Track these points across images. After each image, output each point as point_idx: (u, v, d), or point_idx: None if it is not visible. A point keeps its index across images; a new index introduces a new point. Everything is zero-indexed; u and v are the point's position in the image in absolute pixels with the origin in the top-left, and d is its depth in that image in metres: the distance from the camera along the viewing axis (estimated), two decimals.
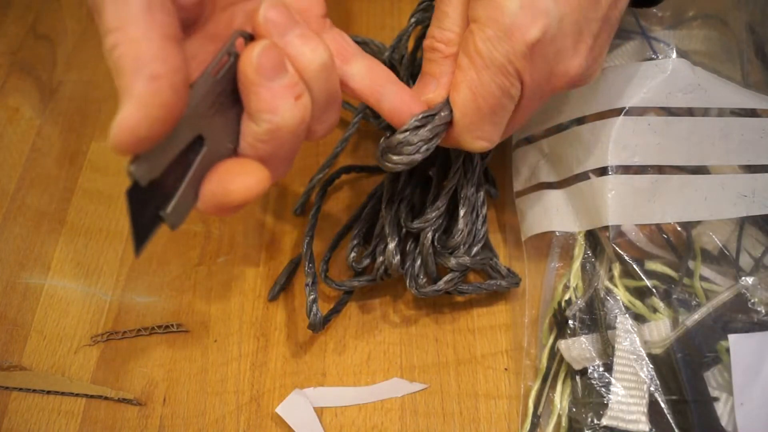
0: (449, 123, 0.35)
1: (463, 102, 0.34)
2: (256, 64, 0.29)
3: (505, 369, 0.42)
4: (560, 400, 0.39)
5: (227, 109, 0.30)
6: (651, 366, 0.37)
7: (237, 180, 0.29)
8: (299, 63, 0.30)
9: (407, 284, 0.41)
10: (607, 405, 0.36)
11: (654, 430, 0.36)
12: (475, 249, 0.41)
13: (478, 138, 0.35)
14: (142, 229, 0.28)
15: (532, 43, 0.31)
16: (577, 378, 0.39)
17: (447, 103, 0.35)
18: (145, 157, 0.27)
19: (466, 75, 0.33)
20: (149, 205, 0.28)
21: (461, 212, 0.40)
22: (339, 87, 0.33)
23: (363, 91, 0.34)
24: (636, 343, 0.37)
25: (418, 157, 0.35)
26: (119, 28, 0.26)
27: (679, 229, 0.40)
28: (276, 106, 0.29)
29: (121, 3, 0.26)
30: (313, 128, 0.33)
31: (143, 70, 0.26)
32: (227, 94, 0.30)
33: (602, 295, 0.39)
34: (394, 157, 0.35)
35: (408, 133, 0.35)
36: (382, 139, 0.36)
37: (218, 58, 0.29)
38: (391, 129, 0.36)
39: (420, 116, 0.34)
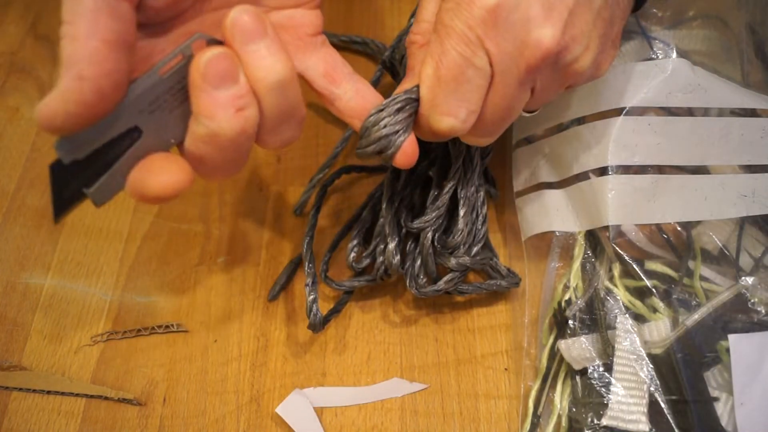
0: (418, 101, 0.34)
1: (426, 74, 0.33)
2: (203, 70, 0.29)
3: (505, 369, 0.42)
4: (560, 400, 0.39)
5: (176, 105, 0.31)
6: (651, 366, 0.37)
7: (155, 176, 0.30)
8: (254, 75, 0.30)
9: (407, 284, 0.41)
10: (607, 405, 0.36)
11: (654, 430, 0.36)
12: (475, 249, 0.41)
13: (443, 114, 0.33)
14: (62, 202, 0.29)
15: (491, 7, 0.31)
16: (577, 378, 0.39)
17: (416, 86, 0.34)
18: (71, 138, 0.28)
19: (430, 48, 0.33)
20: (73, 181, 0.29)
21: (461, 212, 0.40)
22: (298, 104, 0.33)
23: (348, 113, 0.35)
24: (636, 343, 0.37)
25: (384, 132, 0.34)
26: (69, 21, 0.28)
27: (679, 229, 0.40)
28: (214, 113, 0.29)
29: (76, 0, 0.28)
30: (265, 139, 0.33)
31: (72, 68, 0.27)
32: (177, 91, 0.30)
33: (602, 295, 0.39)
34: (363, 141, 0.35)
35: (373, 115, 0.34)
36: (361, 127, 0.36)
37: (168, 58, 0.30)
38: None
39: (387, 100, 0.34)
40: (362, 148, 0.35)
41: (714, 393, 0.36)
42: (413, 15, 0.44)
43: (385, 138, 0.34)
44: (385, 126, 0.34)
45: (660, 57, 0.42)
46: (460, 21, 0.32)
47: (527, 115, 0.38)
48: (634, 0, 0.38)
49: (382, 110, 0.35)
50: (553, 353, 0.40)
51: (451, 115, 0.33)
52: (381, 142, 0.35)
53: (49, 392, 0.42)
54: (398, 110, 0.34)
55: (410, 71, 0.36)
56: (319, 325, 0.41)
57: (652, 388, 0.36)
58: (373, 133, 0.35)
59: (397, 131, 0.35)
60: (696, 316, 0.37)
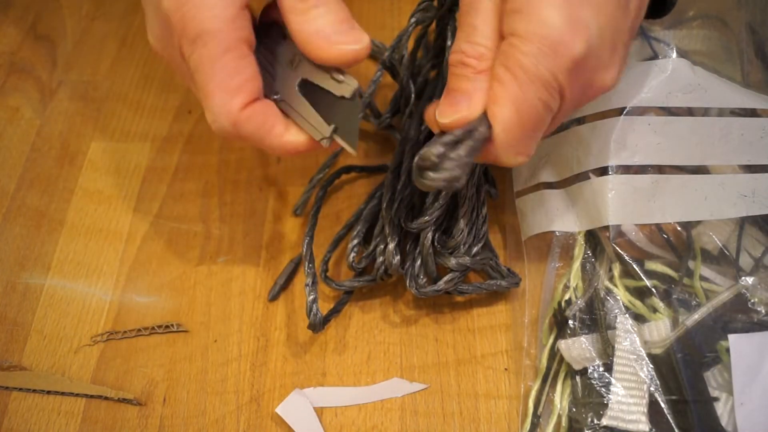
0: (487, 139, 0.33)
1: (506, 118, 0.32)
2: None
3: (505, 369, 0.42)
4: (560, 400, 0.39)
5: None
6: (651, 366, 0.37)
7: None
8: None
9: (407, 284, 0.41)
10: (607, 405, 0.36)
11: (654, 430, 0.36)
12: (475, 249, 0.41)
13: (518, 154, 0.34)
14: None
15: (578, 57, 0.31)
16: (577, 378, 0.39)
17: (484, 119, 0.33)
18: None
19: (508, 90, 0.32)
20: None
21: (461, 212, 0.40)
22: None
23: (304, 36, 0.34)
24: (636, 343, 0.37)
25: (458, 173, 0.33)
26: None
27: (679, 229, 0.40)
28: None
29: None
30: None
31: None
32: None
33: (602, 295, 0.39)
34: (433, 174, 0.33)
35: (444, 148, 0.33)
36: (417, 156, 0.34)
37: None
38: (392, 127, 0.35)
39: (459, 132, 0.33)
40: (429, 180, 0.33)
41: (714, 393, 0.36)
42: (413, 15, 0.44)
43: (456, 172, 0.33)
44: (457, 167, 0.33)
45: (660, 57, 0.42)
46: (546, 69, 0.31)
47: None
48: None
49: (456, 144, 0.33)
50: (553, 353, 0.40)
51: (525, 153, 0.34)
52: (453, 175, 0.33)
53: (49, 392, 0.42)
54: (471, 153, 0.33)
55: (460, 95, 0.34)
56: (319, 325, 0.41)
57: (652, 388, 0.36)
58: (446, 167, 0.33)
59: (467, 167, 0.33)
60: (696, 316, 0.37)
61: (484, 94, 0.33)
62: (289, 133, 0.36)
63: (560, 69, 0.31)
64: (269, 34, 0.37)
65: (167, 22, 0.33)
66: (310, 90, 0.36)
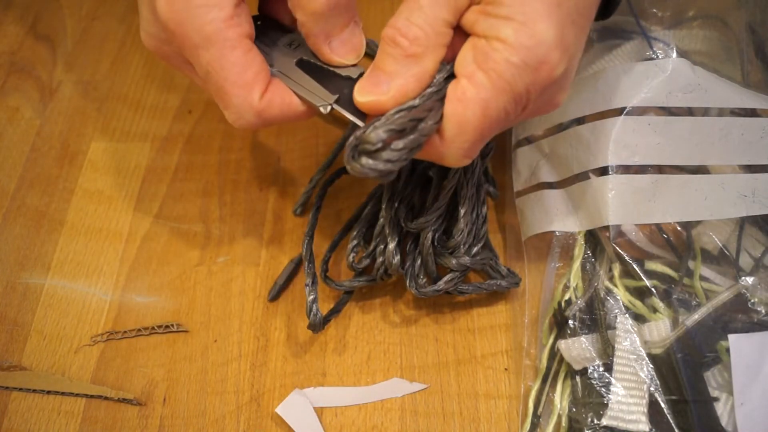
0: (432, 134, 0.32)
1: (468, 119, 0.31)
2: None
3: (505, 369, 0.42)
4: (560, 400, 0.39)
5: None
6: (651, 366, 0.37)
7: None
8: None
9: (407, 284, 0.41)
10: (607, 405, 0.36)
11: (654, 430, 0.36)
12: (475, 249, 0.41)
13: (466, 156, 0.33)
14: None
15: (556, 78, 0.31)
16: (577, 378, 0.39)
17: (435, 112, 0.31)
18: None
19: (480, 94, 0.31)
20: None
21: (461, 212, 0.40)
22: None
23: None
24: (636, 343, 0.37)
25: (395, 167, 0.31)
26: None
27: (679, 229, 0.40)
28: None
29: None
30: None
31: None
32: None
33: (602, 295, 0.39)
34: (369, 161, 0.31)
35: (386, 135, 0.31)
36: (352, 136, 0.32)
37: None
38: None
39: (406, 120, 0.31)
40: (361, 166, 0.31)
41: (714, 393, 0.36)
42: None
43: (391, 165, 0.31)
44: (397, 159, 0.31)
45: (660, 57, 0.42)
46: (523, 83, 0.30)
47: None
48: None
49: (399, 134, 0.31)
50: (553, 353, 0.40)
51: (471, 157, 0.33)
52: (388, 167, 0.31)
53: (49, 392, 0.42)
54: (413, 148, 0.31)
55: (381, 73, 0.33)
56: (319, 325, 0.41)
57: (652, 388, 0.36)
58: (382, 158, 0.31)
59: (404, 161, 0.32)
60: (696, 316, 0.37)
61: (406, 80, 0.32)
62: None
63: (536, 86, 0.31)
64: (264, 21, 0.38)
65: (166, 28, 0.34)
66: (307, 66, 0.37)
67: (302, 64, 0.37)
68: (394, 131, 0.31)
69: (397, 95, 0.32)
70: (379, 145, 0.31)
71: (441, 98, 0.32)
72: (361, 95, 0.33)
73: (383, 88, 0.32)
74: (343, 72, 0.36)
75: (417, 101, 0.32)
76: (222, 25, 0.33)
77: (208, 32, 0.33)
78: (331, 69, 0.36)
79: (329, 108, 0.36)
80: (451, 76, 0.32)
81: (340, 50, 0.36)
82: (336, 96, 0.36)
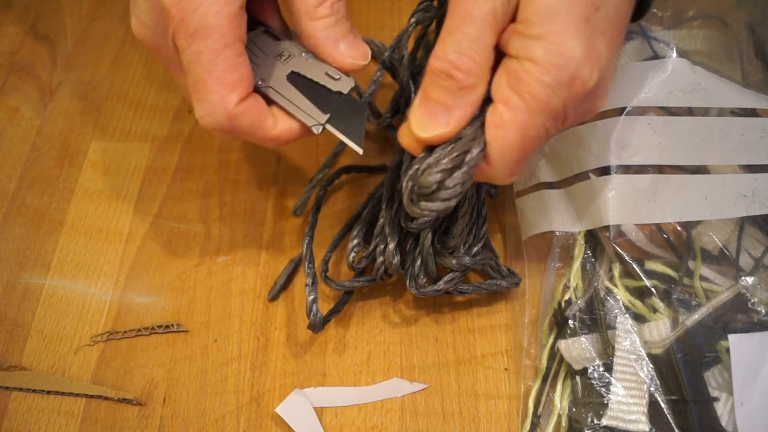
0: (481, 161, 0.32)
1: (509, 143, 0.31)
2: None
3: (505, 369, 0.42)
4: (560, 400, 0.39)
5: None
6: (651, 366, 0.37)
7: None
8: None
9: (407, 284, 0.41)
10: (607, 405, 0.36)
11: (654, 430, 0.36)
12: (475, 249, 0.41)
13: (513, 174, 0.33)
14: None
15: (590, 89, 0.31)
16: (577, 378, 0.39)
17: (478, 140, 0.32)
18: None
19: (517, 117, 0.31)
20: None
21: (461, 212, 0.40)
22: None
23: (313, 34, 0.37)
24: (636, 343, 0.37)
25: (453, 202, 0.32)
26: None
27: (679, 229, 0.40)
28: None
29: None
30: None
31: None
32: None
33: (602, 295, 0.39)
34: (429, 204, 0.33)
35: (440, 174, 0.32)
36: (407, 180, 0.33)
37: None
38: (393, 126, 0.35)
39: (454, 155, 0.32)
40: (424, 210, 0.33)
41: (714, 393, 0.36)
42: (413, 15, 0.44)
43: (452, 202, 0.32)
44: (454, 196, 0.32)
45: (660, 57, 0.42)
46: (559, 100, 0.31)
47: None
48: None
49: (452, 170, 0.32)
50: (553, 353, 0.40)
51: (519, 173, 0.34)
52: (448, 205, 0.32)
53: (49, 392, 0.42)
54: (465, 181, 0.32)
55: (438, 107, 0.33)
56: (319, 325, 0.41)
57: (652, 388, 0.36)
58: (441, 198, 0.32)
59: (461, 193, 0.32)
60: (696, 316, 0.37)
61: (464, 112, 0.32)
62: (279, 123, 0.37)
63: (572, 100, 0.31)
64: (254, 29, 0.38)
65: (162, 11, 0.34)
66: (299, 81, 0.37)
67: (294, 79, 0.37)
68: (447, 170, 0.32)
69: (458, 127, 0.33)
70: (435, 186, 0.32)
71: (482, 124, 0.32)
72: (423, 131, 0.33)
73: (442, 121, 0.32)
74: (335, 87, 0.36)
75: (462, 131, 0.33)
76: (224, 21, 0.33)
77: (210, 23, 0.33)
78: (322, 84, 0.37)
79: (321, 129, 0.36)
80: (488, 100, 0.32)
81: (351, 52, 0.36)
82: (327, 115, 0.36)
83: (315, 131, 0.36)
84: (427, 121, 0.33)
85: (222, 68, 0.34)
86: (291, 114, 0.37)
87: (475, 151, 0.32)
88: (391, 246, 0.40)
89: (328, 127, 0.36)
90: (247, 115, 0.35)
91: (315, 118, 0.36)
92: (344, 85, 0.36)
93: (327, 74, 0.37)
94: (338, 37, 0.36)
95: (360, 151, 0.36)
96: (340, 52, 0.36)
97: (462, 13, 0.31)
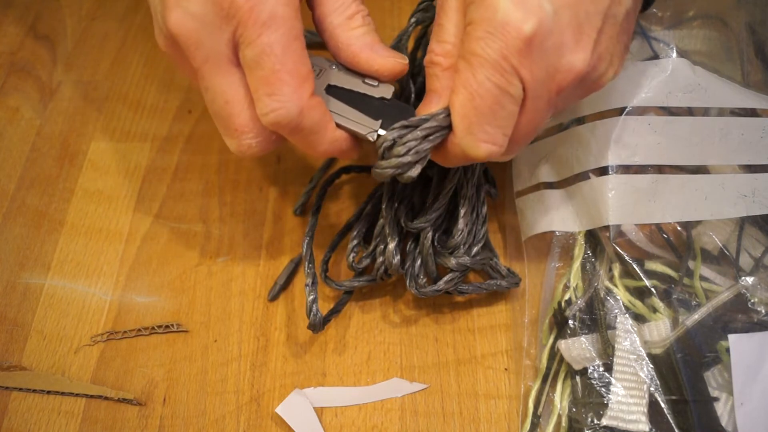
0: (448, 129, 0.34)
1: (460, 104, 0.33)
2: None
3: (505, 369, 0.42)
4: (560, 400, 0.39)
5: None
6: (651, 366, 0.37)
7: None
8: None
9: (407, 284, 0.41)
10: (607, 405, 0.36)
11: (654, 430, 0.36)
12: (475, 249, 0.41)
13: (481, 141, 0.34)
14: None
15: (527, 37, 0.31)
16: (577, 378, 0.39)
17: (445, 109, 0.34)
18: None
19: (462, 76, 0.33)
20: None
21: (461, 212, 0.40)
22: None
23: (347, 45, 0.37)
24: (636, 343, 0.37)
25: (407, 159, 0.34)
26: None
27: (679, 229, 0.40)
28: None
29: None
30: None
31: None
32: None
33: (602, 295, 0.39)
34: (384, 163, 0.35)
35: (395, 132, 0.34)
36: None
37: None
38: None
39: (412, 119, 0.34)
40: (382, 169, 0.35)
41: (714, 393, 0.36)
42: (413, 15, 0.44)
43: (409, 165, 0.34)
44: (409, 151, 0.34)
45: (660, 57, 0.42)
46: (494, 51, 0.31)
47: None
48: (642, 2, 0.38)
49: (405, 132, 0.34)
50: (553, 353, 0.40)
51: (489, 141, 0.34)
52: (404, 168, 0.34)
53: (49, 392, 0.42)
54: (425, 137, 0.34)
55: (432, 94, 0.35)
56: (319, 325, 0.41)
57: (652, 388, 0.36)
58: (396, 155, 0.34)
59: (423, 158, 0.34)
60: (696, 316, 0.37)
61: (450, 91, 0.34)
62: (336, 131, 0.37)
63: (509, 49, 0.31)
64: None
65: (222, 2, 0.33)
66: (339, 93, 0.37)
67: (333, 92, 0.37)
68: (402, 130, 0.34)
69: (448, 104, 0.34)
70: (389, 144, 0.34)
71: None
72: None
73: (435, 103, 0.35)
74: (377, 94, 0.37)
75: None
76: (292, 12, 0.33)
77: (280, 13, 0.33)
78: (364, 93, 0.37)
79: (376, 136, 0.36)
80: None
81: (388, 52, 0.37)
82: (379, 121, 0.36)
83: (371, 139, 0.36)
84: (424, 109, 0.35)
85: (294, 59, 0.33)
86: (341, 125, 0.36)
87: (439, 116, 0.34)
88: (391, 246, 0.40)
89: (381, 132, 0.36)
90: (317, 110, 0.35)
91: (368, 125, 0.36)
92: (386, 91, 0.37)
93: (365, 82, 0.37)
94: (374, 45, 0.37)
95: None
96: (381, 56, 0.37)
97: (438, 8, 0.35)
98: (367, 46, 0.37)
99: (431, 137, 0.34)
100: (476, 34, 0.32)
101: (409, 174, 0.35)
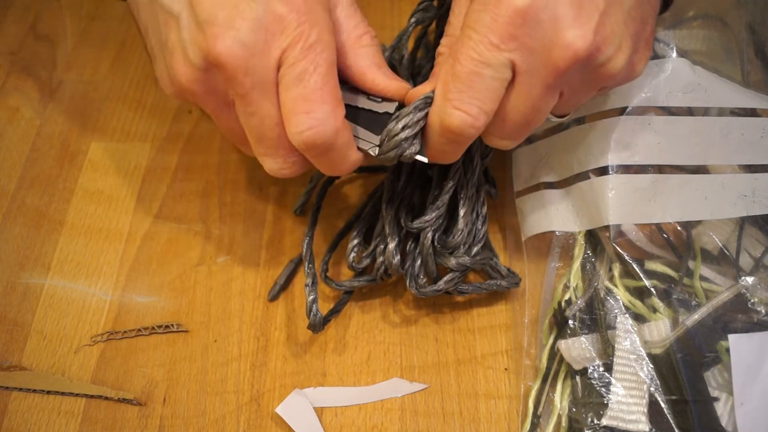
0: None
1: (444, 71, 0.34)
2: None
3: (505, 369, 0.42)
4: (560, 400, 0.39)
5: None
6: (651, 366, 0.37)
7: None
8: None
9: (407, 284, 0.41)
10: (607, 405, 0.36)
11: (654, 430, 0.36)
12: (475, 249, 0.41)
13: (454, 108, 0.33)
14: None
15: (519, 8, 0.31)
16: (577, 378, 0.39)
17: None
18: None
19: (452, 49, 0.34)
20: None
21: (461, 212, 0.40)
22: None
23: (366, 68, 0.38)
24: (636, 343, 0.37)
25: (404, 134, 0.35)
26: None
27: (679, 228, 0.40)
28: None
29: None
30: None
31: None
32: None
33: (602, 295, 0.39)
34: (384, 147, 0.37)
35: (393, 121, 0.36)
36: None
37: None
38: None
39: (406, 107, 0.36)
40: (384, 154, 0.36)
41: (714, 393, 0.36)
42: (413, 15, 0.44)
43: (406, 140, 0.36)
44: (404, 127, 0.35)
45: (660, 57, 0.42)
46: (484, 23, 0.32)
47: (557, 120, 0.38)
48: (662, 0, 0.38)
49: (401, 115, 0.36)
50: (553, 353, 0.40)
51: (461, 110, 0.33)
52: (402, 146, 0.36)
53: (49, 392, 0.42)
54: (416, 108, 0.35)
55: (431, 77, 0.37)
56: (319, 325, 0.41)
57: (652, 388, 0.36)
58: (395, 134, 0.36)
59: (418, 132, 0.36)
60: (696, 316, 0.37)
61: None
62: (358, 151, 0.38)
63: (499, 23, 0.32)
64: None
65: (269, 28, 0.33)
66: (346, 110, 0.37)
67: None
68: (411, 109, 0.36)
69: None
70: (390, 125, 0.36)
71: None
72: None
73: (427, 88, 0.37)
74: (381, 109, 0.38)
75: None
76: (333, 42, 0.35)
77: (325, 39, 0.34)
78: (368, 109, 0.38)
79: (377, 150, 0.37)
80: None
81: (393, 74, 0.38)
82: (380, 137, 0.37)
83: (372, 153, 0.37)
84: (420, 90, 0.37)
85: (333, 82, 0.35)
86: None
87: (427, 96, 0.36)
88: (391, 246, 0.40)
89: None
90: (347, 131, 0.36)
91: (371, 141, 0.37)
92: (389, 106, 0.38)
93: (369, 99, 0.38)
94: (381, 64, 0.38)
95: (425, 159, 0.37)
96: (387, 76, 0.38)
97: (451, 8, 0.38)
98: (374, 66, 0.38)
99: (421, 109, 0.35)
100: (473, 7, 0.33)
101: (410, 151, 0.36)
